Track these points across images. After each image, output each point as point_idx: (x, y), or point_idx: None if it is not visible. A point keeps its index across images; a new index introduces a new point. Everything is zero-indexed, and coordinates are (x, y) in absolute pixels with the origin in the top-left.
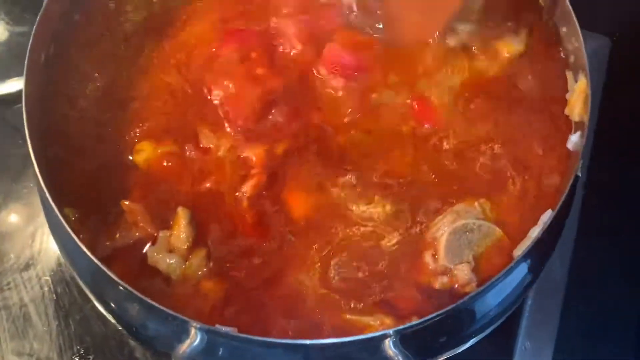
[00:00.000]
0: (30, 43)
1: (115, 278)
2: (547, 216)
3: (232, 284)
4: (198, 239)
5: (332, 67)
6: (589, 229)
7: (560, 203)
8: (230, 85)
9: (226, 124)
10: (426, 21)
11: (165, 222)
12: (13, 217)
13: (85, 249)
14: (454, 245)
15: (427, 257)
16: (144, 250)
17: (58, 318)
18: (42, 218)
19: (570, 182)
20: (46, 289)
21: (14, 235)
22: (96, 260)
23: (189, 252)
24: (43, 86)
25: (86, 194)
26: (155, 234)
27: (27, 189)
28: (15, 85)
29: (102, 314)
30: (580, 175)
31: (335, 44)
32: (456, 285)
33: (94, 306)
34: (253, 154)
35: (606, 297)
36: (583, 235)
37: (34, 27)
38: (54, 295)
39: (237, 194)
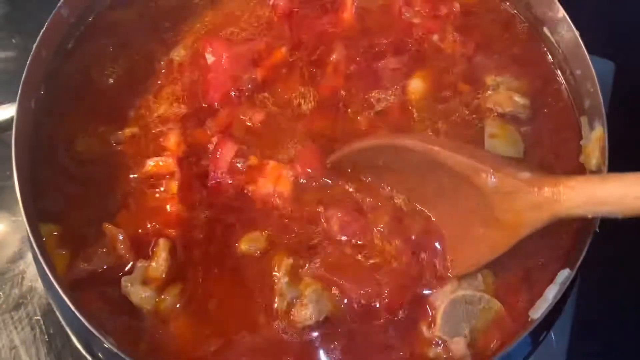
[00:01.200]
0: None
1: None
2: (564, 275)
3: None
4: (176, 275)
5: None
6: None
7: (579, 262)
8: None
9: None
10: (468, 254)
11: (145, 252)
12: (2, 254)
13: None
14: (452, 316)
15: (424, 326)
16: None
17: None
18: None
19: (590, 238)
20: (37, 330)
21: (2, 273)
22: (76, 311)
23: (164, 286)
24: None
25: (71, 210)
26: (133, 263)
27: (17, 222)
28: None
29: None
30: (598, 231)
31: None
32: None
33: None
34: None
35: None
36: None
37: (25, 70)
38: (46, 337)
39: None
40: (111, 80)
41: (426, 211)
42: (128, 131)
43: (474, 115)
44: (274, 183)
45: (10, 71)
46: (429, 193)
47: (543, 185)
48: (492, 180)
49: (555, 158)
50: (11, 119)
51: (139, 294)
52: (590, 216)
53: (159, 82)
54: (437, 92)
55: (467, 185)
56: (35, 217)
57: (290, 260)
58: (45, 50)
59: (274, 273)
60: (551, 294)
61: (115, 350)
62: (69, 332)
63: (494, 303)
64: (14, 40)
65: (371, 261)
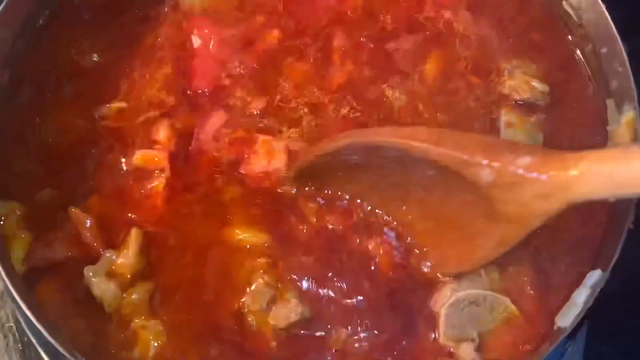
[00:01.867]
0: None
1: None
2: (595, 277)
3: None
4: (148, 270)
5: None
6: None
7: (613, 262)
8: None
9: None
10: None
11: (114, 242)
12: None
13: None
14: (455, 320)
15: (428, 334)
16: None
17: None
18: None
19: (624, 237)
20: (11, 337)
21: None
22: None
23: (132, 282)
24: None
25: (37, 189)
26: (100, 252)
27: None
28: None
29: None
30: (632, 228)
31: None
32: None
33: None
34: None
35: None
36: None
37: None
38: (20, 345)
39: None
40: (95, 58)
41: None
42: (115, 106)
43: (489, 102)
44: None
45: None
46: (409, 195)
47: (548, 169)
48: (486, 173)
49: (579, 147)
50: None
51: (102, 287)
52: (612, 200)
53: (145, 65)
54: (448, 76)
55: (459, 179)
56: None
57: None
58: (7, 30)
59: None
60: (581, 298)
61: None
62: (33, 340)
63: (501, 302)
64: None
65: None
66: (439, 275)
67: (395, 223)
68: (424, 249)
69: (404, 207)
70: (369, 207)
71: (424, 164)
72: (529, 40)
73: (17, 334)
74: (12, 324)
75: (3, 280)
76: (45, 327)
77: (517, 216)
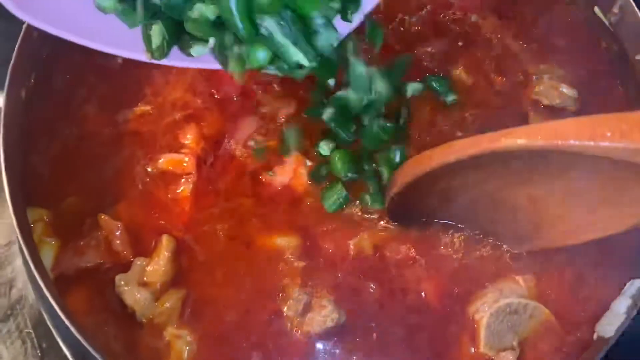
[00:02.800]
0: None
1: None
2: (636, 287)
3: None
4: (179, 278)
5: None
6: None
7: None
8: None
9: None
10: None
11: (146, 249)
12: None
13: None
14: (496, 329)
15: (465, 343)
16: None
17: None
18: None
19: None
20: (29, 344)
21: None
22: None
23: (163, 290)
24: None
25: (64, 195)
26: (131, 260)
27: (4, 225)
28: None
29: None
30: None
31: None
32: None
33: None
34: None
35: None
36: None
37: (12, 59)
38: (38, 352)
39: None
40: (119, 60)
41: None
42: (139, 109)
43: (517, 107)
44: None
45: None
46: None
47: None
48: None
49: None
50: None
51: (134, 295)
52: None
53: (168, 68)
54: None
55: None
56: (22, 200)
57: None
58: (33, 34)
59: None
60: (621, 308)
61: None
62: (61, 345)
63: (541, 310)
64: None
65: None
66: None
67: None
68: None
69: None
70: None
71: (568, 160)
72: (557, 45)
73: (35, 340)
74: (30, 330)
75: (36, 282)
76: (80, 332)
77: None
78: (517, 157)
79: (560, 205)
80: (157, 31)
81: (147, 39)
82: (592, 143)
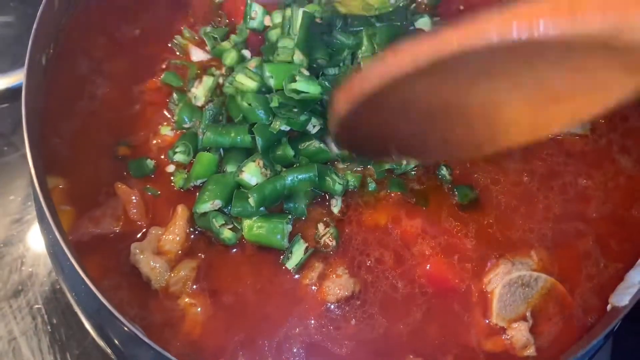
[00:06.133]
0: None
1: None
2: None
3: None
4: (193, 248)
5: None
6: None
7: None
8: None
9: None
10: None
11: (161, 219)
12: None
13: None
14: (509, 300)
15: (476, 314)
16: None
17: (54, 353)
18: (32, 234)
19: None
20: (39, 319)
21: None
22: (96, 292)
23: (178, 259)
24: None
25: (79, 163)
26: (146, 229)
27: (15, 202)
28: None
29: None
30: None
31: None
32: (512, 348)
33: (95, 339)
34: None
35: None
36: None
37: (34, 26)
38: (49, 327)
39: None
40: (137, 32)
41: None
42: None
43: None
44: None
45: (9, 37)
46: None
47: None
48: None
49: (626, 132)
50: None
51: (150, 264)
52: None
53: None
54: None
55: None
56: (42, 166)
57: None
58: (53, 5)
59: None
60: (636, 278)
61: (143, 337)
62: (81, 316)
63: (552, 283)
64: (11, 4)
65: None
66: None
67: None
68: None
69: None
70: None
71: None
72: None
73: (45, 316)
74: (40, 306)
75: (57, 248)
76: (102, 293)
77: None
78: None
79: (520, 106)
80: None
81: None
82: (574, 23)
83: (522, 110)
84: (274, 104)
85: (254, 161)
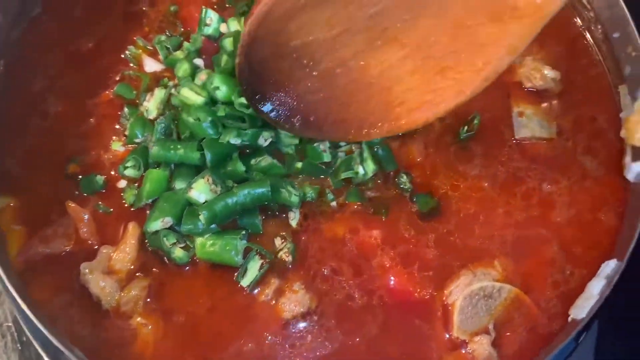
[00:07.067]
0: None
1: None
2: (610, 267)
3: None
4: (145, 267)
5: None
6: None
7: (629, 250)
8: None
9: None
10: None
11: (112, 237)
12: None
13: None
14: (470, 313)
15: (437, 328)
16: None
17: None
18: None
19: None
20: (9, 337)
21: None
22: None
23: (129, 278)
24: None
25: (31, 182)
26: (97, 247)
27: None
28: None
29: None
30: None
31: None
32: None
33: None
34: None
35: None
36: None
37: None
38: (18, 345)
39: None
40: (90, 44)
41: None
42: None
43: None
44: None
45: None
46: (395, 27)
47: None
48: None
49: (593, 134)
50: None
51: (99, 284)
52: None
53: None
54: None
55: None
56: None
57: None
58: (2, 14)
59: None
60: (596, 289)
61: None
62: (33, 341)
63: (516, 294)
64: None
65: None
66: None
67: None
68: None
69: (389, 48)
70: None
71: None
72: None
73: (15, 334)
74: (10, 324)
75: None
76: (41, 321)
77: (528, 4)
78: None
79: (411, 74)
80: None
81: None
82: None
83: (412, 85)
84: (221, 112)
85: (203, 178)
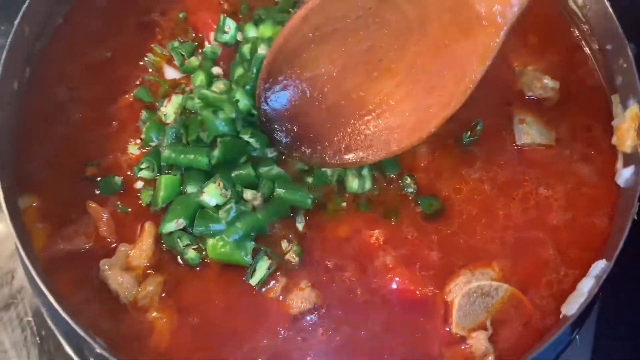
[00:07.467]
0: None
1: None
2: (599, 267)
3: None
4: (161, 263)
5: None
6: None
7: (617, 252)
8: None
9: None
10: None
11: (129, 235)
12: None
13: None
14: (468, 310)
15: (437, 325)
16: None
17: None
18: None
19: (629, 225)
20: (28, 331)
21: None
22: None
23: (145, 275)
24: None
25: (53, 183)
26: (115, 245)
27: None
28: None
29: None
30: (637, 219)
31: None
32: (472, 357)
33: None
34: None
35: None
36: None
37: (4, 53)
38: (38, 339)
39: None
40: (108, 54)
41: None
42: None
43: (504, 97)
44: None
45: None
46: (386, 56)
47: None
48: None
49: (589, 142)
50: None
51: (118, 280)
52: None
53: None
54: None
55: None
56: (14, 186)
57: None
58: (29, 27)
59: None
60: (586, 287)
61: (105, 353)
62: (56, 332)
63: (512, 293)
64: (2, 28)
65: None
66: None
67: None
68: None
69: (385, 77)
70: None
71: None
72: (538, 38)
73: (35, 328)
74: (30, 318)
75: (26, 269)
76: (67, 312)
77: (490, 14)
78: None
79: (405, 98)
80: None
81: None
82: None
83: (406, 108)
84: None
85: (214, 182)
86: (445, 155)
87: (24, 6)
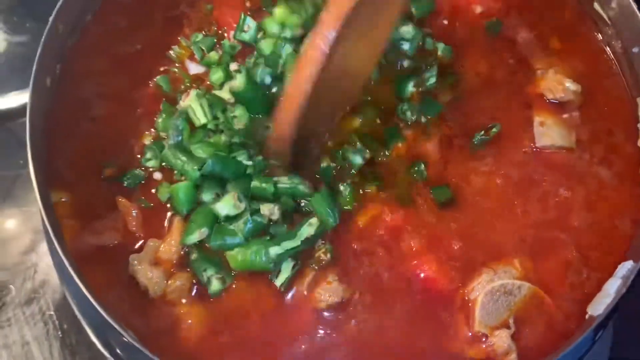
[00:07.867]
0: (34, 67)
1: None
2: (626, 268)
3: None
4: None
5: None
6: None
7: None
8: None
9: None
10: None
11: (156, 230)
12: (14, 246)
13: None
14: (491, 308)
15: (460, 322)
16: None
17: (64, 357)
18: (45, 244)
19: None
20: (51, 325)
21: (14, 266)
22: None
23: (175, 269)
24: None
25: (82, 178)
26: (144, 241)
27: (30, 213)
28: (16, 99)
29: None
30: None
31: None
32: (494, 355)
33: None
34: None
35: None
36: None
37: (39, 50)
38: (60, 333)
39: None
40: (138, 47)
41: None
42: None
43: (524, 100)
44: None
45: (24, 57)
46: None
47: None
48: None
49: (611, 145)
50: (22, 106)
51: (147, 275)
52: None
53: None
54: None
55: None
56: (46, 183)
57: None
58: (63, 24)
59: None
60: (612, 288)
61: (135, 344)
62: (83, 324)
63: (535, 292)
64: (27, 25)
65: None
66: None
67: None
68: None
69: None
70: None
71: None
72: (561, 40)
73: (57, 322)
74: (52, 312)
75: (59, 262)
76: (100, 304)
77: None
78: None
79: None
80: None
81: None
82: None
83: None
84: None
85: (231, 194)
86: (456, 150)
87: (58, 4)
